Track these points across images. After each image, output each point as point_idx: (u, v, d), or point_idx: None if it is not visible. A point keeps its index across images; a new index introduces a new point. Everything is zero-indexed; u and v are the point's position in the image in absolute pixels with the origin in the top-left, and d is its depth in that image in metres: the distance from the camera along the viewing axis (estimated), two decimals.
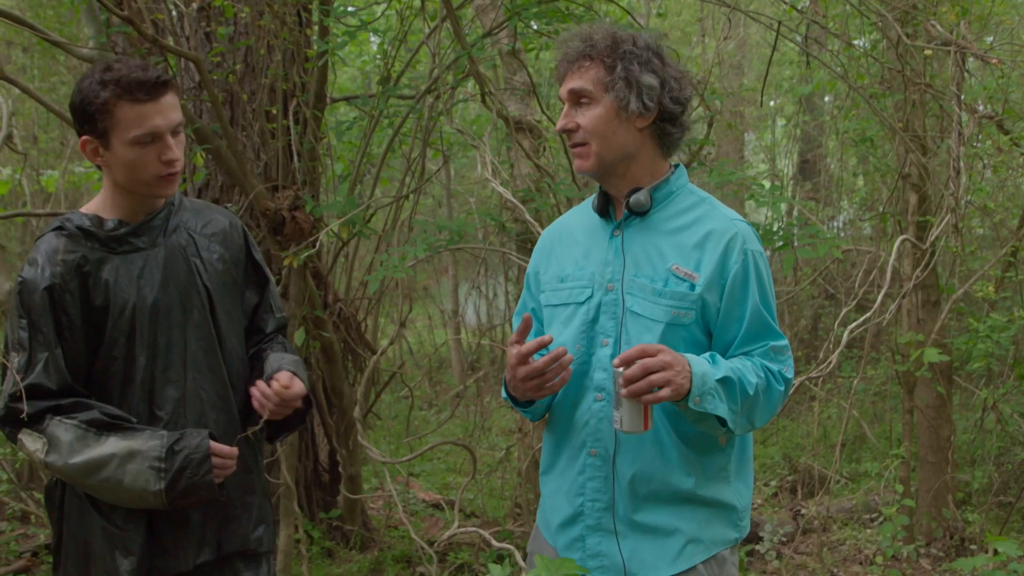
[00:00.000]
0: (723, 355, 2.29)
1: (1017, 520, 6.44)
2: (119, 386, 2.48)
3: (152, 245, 2.53)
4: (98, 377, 2.48)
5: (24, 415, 2.35)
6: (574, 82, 2.31)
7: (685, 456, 2.32)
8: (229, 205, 5.30)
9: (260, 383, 2.56)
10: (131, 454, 2.35)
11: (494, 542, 4.09)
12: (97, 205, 2.54)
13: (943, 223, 5.15)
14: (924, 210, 5.99)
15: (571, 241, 2.51)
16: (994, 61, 5.22)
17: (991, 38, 6.90)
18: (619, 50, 2.28)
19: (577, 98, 2.31)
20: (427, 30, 5.54)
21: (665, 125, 2.33)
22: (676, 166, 2.44)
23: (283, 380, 2.56)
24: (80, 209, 2.56)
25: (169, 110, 2.43)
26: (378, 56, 6.72)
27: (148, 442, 2.38)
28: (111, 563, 2.43)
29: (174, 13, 5.31)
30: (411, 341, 11.50)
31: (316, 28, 5.28)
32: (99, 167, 2.50)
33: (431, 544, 4.84)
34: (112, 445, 2.35)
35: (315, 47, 5.13)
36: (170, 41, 4.93)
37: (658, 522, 2.33)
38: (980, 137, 6.08)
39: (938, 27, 5.37)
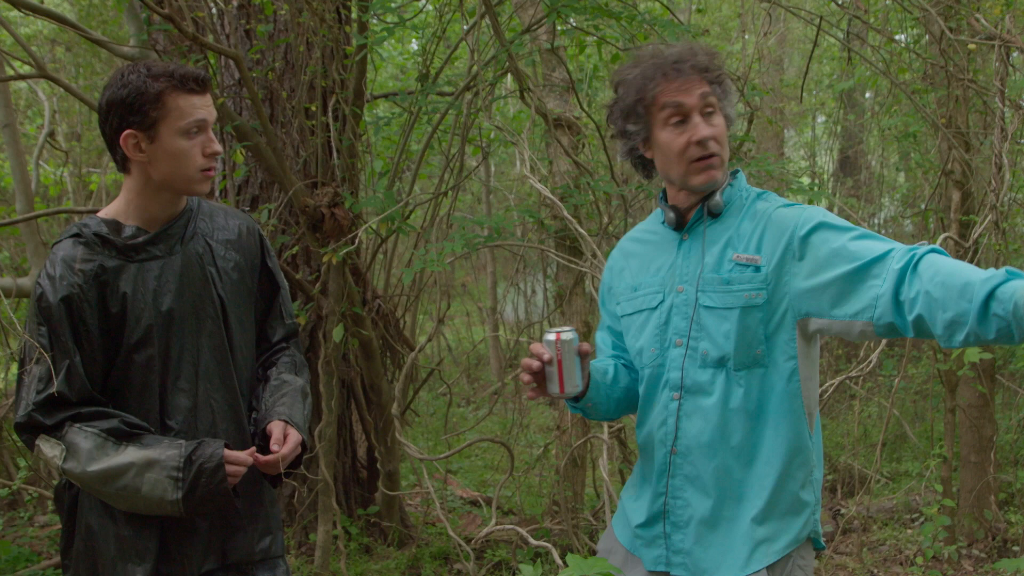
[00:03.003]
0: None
1: None
2: (135, 394, 2.49)
3: (169, 253, 2.54)
4: (113, 385, 2.49)
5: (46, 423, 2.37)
6: (702, 88, 2.33)
7: (757, 448, 2.36)
8: (266, 206, 5.34)
9: (258, 456, 2.54)
10: (149, 463, 2.37)
11: (531, 540, 4.10)
12: (117, 209, 2.54)
13: (986, 220, 5.12)
14: (967, 208, 5.95)
15: (641, 253, 2.58)
16: None
17: None
18: (715, 65, 2.36)
19: (704, 107, 2.33)
20: (466, 27, 5.56)
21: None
22: (736, 171, 2.49)
23: (275, 436, 2.57)
24: (99, 213, 2.56)
25: (212, 106, 2.50)
26: (417, 54, 6.75)
27: (167, 451, 2.39)
28: (123, 570, 2.46)
29: (214, 11, 5.38)
30: (449, 338, 11.56)
31: (355, 25, 5.32)
32: (124, 170, 2.52)
33: (468, 541, 4.85)
34: (131, 454, 2.37)
35: (354, 44, 5.17)
36: (210, 39, 4.99)
37: (735, 520, 2.37)
38: None
39: (982, 21, 5.34)
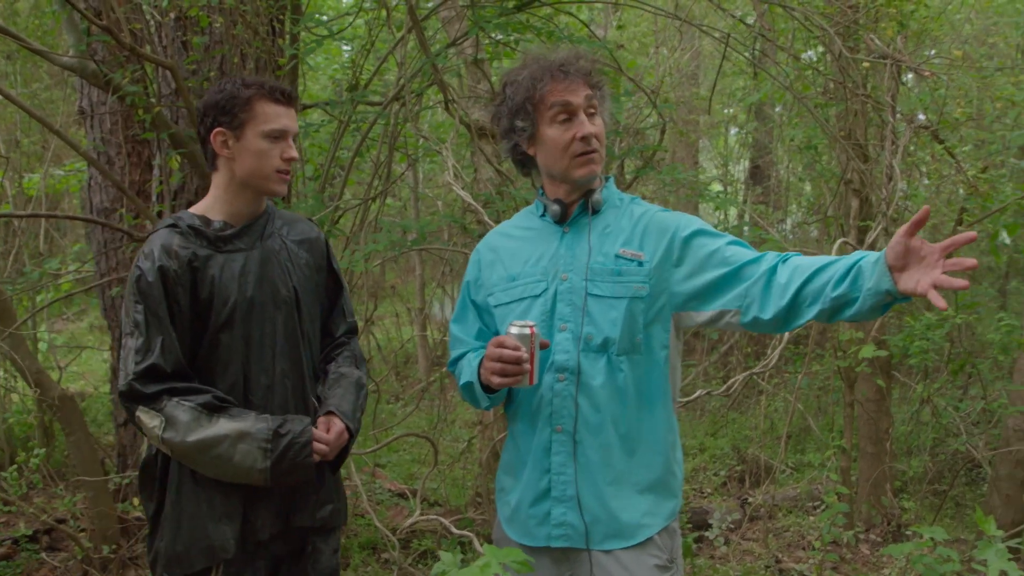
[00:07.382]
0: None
1: (950, 507, 6.76)
2: (219, 372, 2.74)
3: (251, 247, 2.82)
4: (200, 363, 2.73)
5: (144, 392, 2.61)
6: (587, 90, 2.54)
7: (638, 430, 2.54)
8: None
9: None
10: (241, 435, 2.60)
11: (454, 529, 4.24)
12: (205, 206, 2.82)
13: (879, 227, 5.43)
14: (865, 214, 6.25)
15: (515, 247, 2.72)
16: (927, 74, 5.51)
17: (932, 51, 7.20)
18: (596, 71, 2.58)
19: (588, 108, 2.55)
20: (394, 40, 5.73)
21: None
22: (609, 176, 2.73)
23: (321, 427, 2.80)
24: (190, 209, 2.84)
25: (295, 119, 2.81)
26: (347, 65, 6.89)
27: (256, 425, 2.64)
28: (217, 531, 2.69)
29: (152, 23, 5.48)
30: (379, 337, 11.69)
31: (288, 38, 5.46)
32: (213, 167, 2.81)
33: (395, 532, 5.00)
34: (224, 426, 2.61)
35: (287, 55, 5.31)
36: (148, 50, 5.10)
37: (618, 493, 2.53)
38: (918, 145, 6.35)
39: (876, 41, 5.65)
